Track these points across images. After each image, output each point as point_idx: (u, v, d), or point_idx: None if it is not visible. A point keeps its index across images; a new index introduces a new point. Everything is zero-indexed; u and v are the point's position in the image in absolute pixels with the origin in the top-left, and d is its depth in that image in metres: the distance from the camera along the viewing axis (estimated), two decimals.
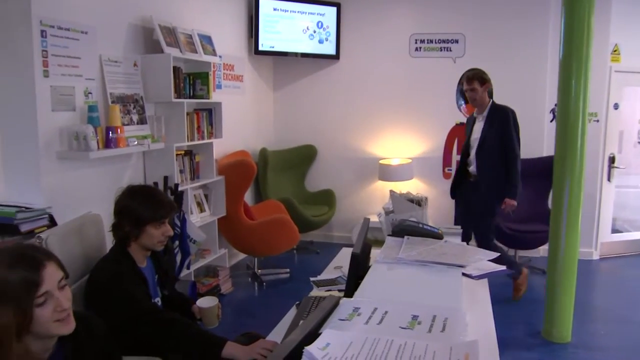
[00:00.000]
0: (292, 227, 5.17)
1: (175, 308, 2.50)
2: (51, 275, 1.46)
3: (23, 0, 3.20)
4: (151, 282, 2.42)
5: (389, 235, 2.26)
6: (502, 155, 4.58)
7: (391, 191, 2.70)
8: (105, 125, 3.69)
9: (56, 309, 1.46)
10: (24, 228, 3.05)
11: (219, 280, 4.92)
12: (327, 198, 6.47)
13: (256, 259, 5.51)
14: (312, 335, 1.19)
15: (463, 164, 4.93)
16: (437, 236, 2.21)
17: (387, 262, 1.89)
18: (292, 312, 2.41)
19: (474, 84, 4.65)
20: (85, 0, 3.68)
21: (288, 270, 5.64)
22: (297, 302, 2.46)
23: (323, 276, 2.85)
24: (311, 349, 1.04)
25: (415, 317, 1.35)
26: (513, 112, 4.63)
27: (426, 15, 6.27)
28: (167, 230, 2.40)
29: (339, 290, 2.57)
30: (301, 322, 2.08)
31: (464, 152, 4.92)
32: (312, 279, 2.78)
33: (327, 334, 1.16)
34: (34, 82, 3.26)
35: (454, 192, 4.96)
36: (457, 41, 6.19)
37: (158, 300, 2.46)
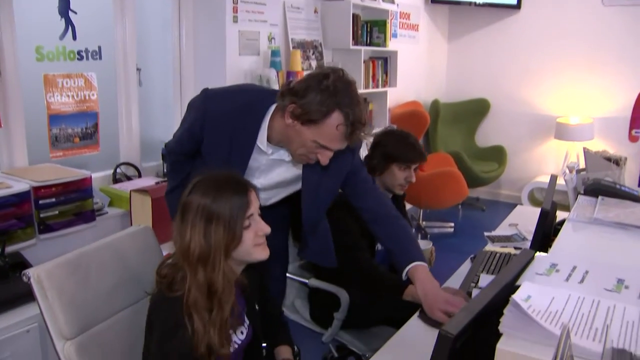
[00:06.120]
0: (462, 181, 5.05)
1: None
2: (254, 201, 1.52)
3: None
4: None
5: (580, 194, 2.12)
6: None
7: (585, 148, 2.52)
8: (286, 70, 3.82)
9: (257, 233, 1.51)
10: None
11: None
12: (497, 154, 6.20)
13: (422, 211, 5.49)
14: (510, 287, 1.16)
15: None
16: (637, 199, 2.03)
17: (581, 222, 1.77)
18: (466, 265, 2.40)
19: None
20: None
21: (453, 224, 5.57)
22: (472, 256, 2.43)
23: (498, 232, 2.80)
24: (516, 298, 1.00)
25: (621, 281, 1.25)
26: None
27: None
28: (410, 176, 2.47)
29: (515, 248, 2.52)
30: (484, 274, 2.04)
31: None
32: (486, 233, 2.76)
33: (528, 287, 1.11)
34: (225, 27, 3.45)
35: None
36: None
37: None
